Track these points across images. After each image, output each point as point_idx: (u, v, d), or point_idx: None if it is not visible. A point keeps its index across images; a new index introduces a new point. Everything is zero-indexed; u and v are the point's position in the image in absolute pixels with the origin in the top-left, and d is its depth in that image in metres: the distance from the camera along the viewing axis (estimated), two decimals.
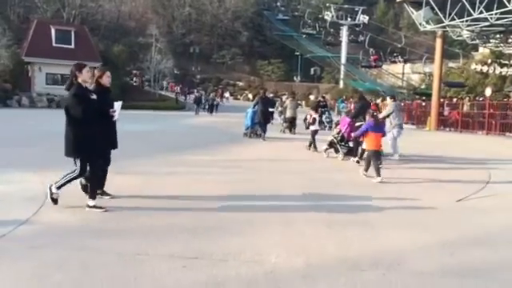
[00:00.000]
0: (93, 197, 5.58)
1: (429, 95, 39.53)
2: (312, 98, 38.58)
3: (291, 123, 19.31)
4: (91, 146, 5.42)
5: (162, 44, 53.69)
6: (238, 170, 9.38)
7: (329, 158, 11.60)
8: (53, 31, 39.01)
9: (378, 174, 8.29)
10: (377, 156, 8.59)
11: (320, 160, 11.56)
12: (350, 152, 11.13)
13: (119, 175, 7.25)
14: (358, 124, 10.58)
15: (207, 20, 71.42)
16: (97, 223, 5.12)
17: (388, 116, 11.55)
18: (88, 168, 5.52)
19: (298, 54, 64.56)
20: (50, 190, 5.59)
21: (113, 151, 6.17)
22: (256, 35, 74.72)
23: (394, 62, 44.74)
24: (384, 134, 9.32)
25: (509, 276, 4.03)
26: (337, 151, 11.54)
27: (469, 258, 4.42)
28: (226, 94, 56.12)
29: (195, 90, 50.85)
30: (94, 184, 5.66)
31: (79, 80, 5.41)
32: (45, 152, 10.83)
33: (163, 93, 50.75)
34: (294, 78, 63.76)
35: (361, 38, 59.20)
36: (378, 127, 8.83)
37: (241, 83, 65.76)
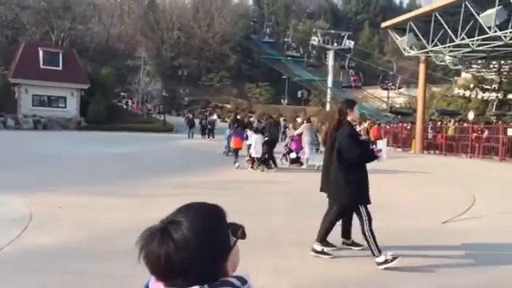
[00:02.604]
0: (322, 240, 4.97)
1: (404, 114, 40.28)
2: (299, 120, 38.97)
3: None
4: (367, 189, 4.77)
5: (151, 66, 53.93)
6: (224, 192, 9.37)
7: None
8: (41, 53, 38.99)
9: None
10: (236, 153, 13.68)
11: (303, 182, 11.61)
12: (265, 162, 13.65)
13: (106, 197, 7.21)
14: (266, 139, 13.64)
15: (196, 43, 72.13)
16: (81, 245, 5.06)
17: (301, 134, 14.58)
18: (337, 211, 4.88)
19: (285, 77, 65.35)
20: (314, 248, 4.91)
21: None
22: (244, 59, 75.57)
23: (386, 89, 45.80)
24: (242, 139, 14.30)
25: None
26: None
27: (453, 280, 4.47)
28: (214, 117, 56.24)
29: (185, 111, 50.45)
30: (331, 228, 4.95)
31: (348, 118, 4.80)
32: (30, 175, 10.71)
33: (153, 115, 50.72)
34: (282, 101, 64.32)
35: (343, 63, 60.59)
36: (239, 133, 13.85)
37: (229, 106, 66.05)
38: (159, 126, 41.65)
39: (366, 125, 27.74)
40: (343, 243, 5.31)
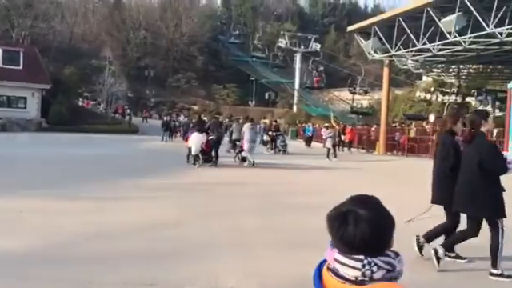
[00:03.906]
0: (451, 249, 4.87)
1: (365, 114, 41.24)
2: (266, 121, 39.18)
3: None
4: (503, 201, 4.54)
5: (116, 67, 52.89)
6: (193, 194, 9.33)
7: (277, 179, 11.75)
8: (0, 51, 37.56)
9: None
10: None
11: (271, 183, 11.72)
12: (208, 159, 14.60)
13: (71, 200, 7.04)
14: (211, 137, 14.65)
15: (163, 44, 71.27)
16: (44, 251, 4.92)
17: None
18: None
19: (252, 79, 65.56)
20: (491, 272, 4.54)
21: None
22: (212, 60, 75.26)
23: (354, 93, 46.86)
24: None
25: None
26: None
27: (416, 276, 4.60)
28: (181, 118, 55.74)
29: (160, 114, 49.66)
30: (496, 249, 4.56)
31: (483, 129, 4.62)
32: None
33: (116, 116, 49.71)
34: (249, 103, 64.53)
35: (313, 66, 61.43)
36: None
37: (196, 107, 65.63)
38: (124, 127, 40.86)
39: (342, 127, 28.41)
40: (417, 242, 5.18)
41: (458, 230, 4.98)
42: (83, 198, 7.99)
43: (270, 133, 23.50)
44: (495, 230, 4.46)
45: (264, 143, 24.35)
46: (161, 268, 4.48)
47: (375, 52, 24.44)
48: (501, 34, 17.31)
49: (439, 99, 33.23)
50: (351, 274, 1.40)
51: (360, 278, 1.38)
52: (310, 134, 31.65)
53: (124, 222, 6.41)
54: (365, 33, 24.85)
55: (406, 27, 20.73)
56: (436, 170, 5.07)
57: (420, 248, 5.08)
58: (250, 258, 4.99)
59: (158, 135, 30.58)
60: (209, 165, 14.56)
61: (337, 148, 20.60)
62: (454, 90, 32.39)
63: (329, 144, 20.02)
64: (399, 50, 22.54)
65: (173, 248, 5.23)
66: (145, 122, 48.67)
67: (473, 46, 19.69)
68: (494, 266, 4.48)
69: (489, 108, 28.79)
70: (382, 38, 22.98)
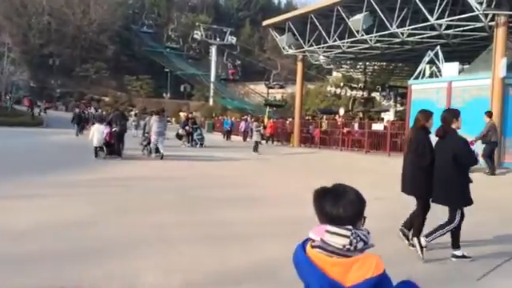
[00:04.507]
0: (458, 246, 4.98)
1: (278, 106, 42.60)
2: (182, 115, 38.63)
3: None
4: (469, 194, 4.93)
5: (16, 54, 48.69)
6: (108, 190, 8.92)
7: (195, 172, 11.68)
8: None
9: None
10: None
11: (192, 176, 11.61)
12: (113, 151, 14.67)
13: None
14: (114, 129, 14.80)
15: (69, 31, 66.93)
16: None
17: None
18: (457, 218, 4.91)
19: (167, 70, 64.13)
20: (419, 242, 4.91)
21: None
22: (123, 50, 72.31)
23: (271, 88, 47.77)
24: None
25: None
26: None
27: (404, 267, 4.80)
28: (91, 110, 52.98)
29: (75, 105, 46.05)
30: (458, 233, 4.96)
31: (453, 126, 5.00)
32: None
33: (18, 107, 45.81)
34: (164, 95, 63.05)
35: (230, 60, 61.68)
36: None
37: (107, 99, 62.69)
38: (27, 119, 37.87)
39: (270, 120, 28.97)
40: (402, 232, 5.42)
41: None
42: None
43: (186, 127, 23.14)
44: (451, 218, 4.88)
45: (178, 137, 23.97)
46: (76, 269, 4.23)
47: (289, 47, 25.09)
48: (402, 34, 18.65)
49: (348, 94, 35.07)
50: (340, 242, 1.62)
51: (347, 247, 1.60)
52: (228, 128, 31.75)
53: (36, 222, 5.96)
54: (279, 28, 25.39)
55: (317, 24, 21.53)
56: (409, 164, 5.34)
57: (407, 237, 5.33)
58: (171, 254, 4.89)
59: (66, 128, 28.75)
60: (114, 157, 14.52)
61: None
62: (361, 85, 34.40)
63: (257, 137, 20.32)
64: (312, 45, 23.37)
65: (89, 247, 4.97)
66: (43, 113, 44.69)
67: (378, 45, 21.01)
68: (427, 236, 4.90)
69: (391, 103, 31.05)
70: (296, 33, 23.65)
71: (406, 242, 5.32)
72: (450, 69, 17.14)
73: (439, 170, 4.97)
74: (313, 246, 1.68)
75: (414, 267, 4.50)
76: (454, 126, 5.00)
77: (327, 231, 1.64)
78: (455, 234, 4.97)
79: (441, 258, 4.99)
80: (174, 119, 53.58)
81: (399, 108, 29.59)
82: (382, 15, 18.29)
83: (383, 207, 7.36)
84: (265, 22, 27.47)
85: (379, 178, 11.86)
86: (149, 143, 16.25)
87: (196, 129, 23.54)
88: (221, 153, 19.15)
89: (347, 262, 1.61)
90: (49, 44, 64.31)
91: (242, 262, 4.65)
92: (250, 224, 6.42)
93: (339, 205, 1.65)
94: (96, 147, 14.38)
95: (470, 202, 4.89)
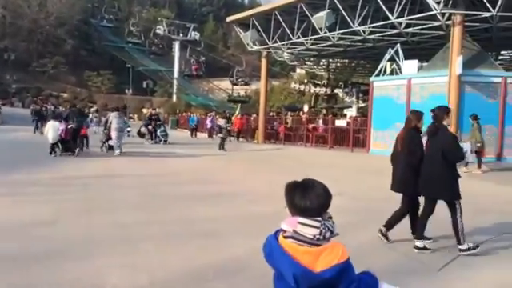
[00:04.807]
0: (420, 236, 5.19)
1: (242, 102, 42.66)
2: (145, 111, 37.97)
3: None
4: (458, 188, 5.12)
5: None
6: (68, 189, 8.64)
7: (159, 169, 11.52)
8: None
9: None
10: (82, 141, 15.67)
11: (156, 173, 11.43)
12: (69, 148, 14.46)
13: None
14: (70, 126, 14.58)
15: (25, 24, 64.33)
16: None
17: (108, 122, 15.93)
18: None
19: (129, 66, 62.77)
20: (462, 250, 4.99)
21: None
22: (83, 44, 70.20)
23: (236, 84, 47.64)
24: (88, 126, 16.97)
25: None
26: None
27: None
28: (50, 106, 51.21)
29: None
30: (426, 222, 5.19)
31: (444, 123, 5.17)
32: None
33: None
34: (126, 91, 61.72)
35: (195, 56, 61.03)
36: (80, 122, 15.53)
37: (65, 95, 60.78)
38: None
39: (238, 116, 28.81)
40: (380, 231, 5.47)
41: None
42: None
43: (149, 127, 22.72)
44: (454, 209, 5.04)
45: (140, 135, 23.53)
46: (36, 271, 4.07)
47: (254, 43, 25.10)
48: (364, 31, 19.03)
49: (311, 90, 35.50)
50: (311, 232, 1.78)
51: (317, 237, 1.77)
52: (194, 125, 31.42)
53: None
54: (243, 24, 25.33)
55: (281, 21, 21.63)
56: (400, 163, 5.49)
57: (385, 236, 5.43)
58: (136, 253, 4.79)
59: (23, 125, 27.65)
60: (70, 154, 14.33)
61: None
62: (325, 82, 34.90)
63: (224, 134, 20.20)
64: (276, 42, 23.46)
65: (49, 248, 4.79)
66: None
67: (340, 42, 21.34)
68: (459, 242, 5.00)
69: (353, 99, 31.67)
70: (260, 30, 23.67)
71: (386, 241, 5.41)
72: (410, 66, 17.66)
73: (429, 165, 5.14)
74: (285, 237, 1.82)
75: (377, 260, 4.59)
76: (445, 122, 5.19)
77: (299, 222, 1.79)
78: (419, 224, 5.17)
79: (403, 251, 5.13)
80: (136, 116, 52.62)
81: (361, 104, 30.23)
82: (344, 13, 18.58)
83: (345, 202, 7.49)
84: (229, 18, 27.34)
85: (342, 173, 12.07)
86: (107, 140, 16.04)
87: (160, 125, 23.18)
88: (186, 149, 18.95)
89: (317, 250, 1.77)
90: (3, 38, 61.63)
91: (210, 259, 4.61)
92: (216, 220, 6.38)
93: (308, 197, 1.81)
94: (51, 144, 14.10)
95: (458, 195, 5.08)
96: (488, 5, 14.57)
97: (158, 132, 22.58)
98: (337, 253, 1.76)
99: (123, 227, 5.82)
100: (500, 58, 26.31)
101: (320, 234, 1.77)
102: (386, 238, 5.41)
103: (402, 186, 5.42)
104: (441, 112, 5.24)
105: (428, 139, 5.31)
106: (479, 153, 12.74)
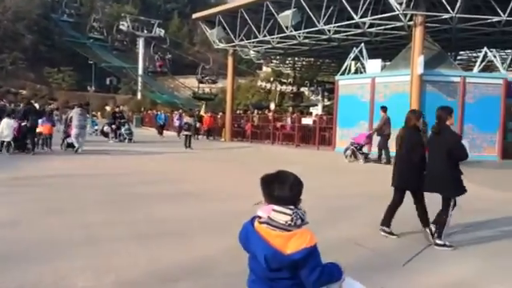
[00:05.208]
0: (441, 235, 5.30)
1: (207, 99, 42.47)
2: (108, 109, 37.13)
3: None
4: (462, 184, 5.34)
5: None
6: (29, 189, 8.33)
7: (123, 168, 11.32)
8: None
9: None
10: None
11: (120, 172, 11.19)
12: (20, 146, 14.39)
13: None
14: (24, 123, 14.23)
15: None
16: None
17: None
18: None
19: (91, 62, 61.15)
20: (438, 245, 5.23)
21: None
22: (42, 39, 67.76)
23: (202, 82, 47.25)
24: (54, 125, 16.66)
25: None
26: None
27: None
28: (6, 103, 49.13)
29: None
30: (445, 223, 5.28)
31: (448, 123, 5.36)
32: None
33: None
34: (88, 88, 60.12)
35: (160, 54, 60.13)
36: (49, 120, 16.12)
37: (24, 92, 58.56)
38: None
39: (208, 114, 28.50)
40: (383, 231, 5.65)
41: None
42: None
43: (113, 126, 22.23)
44: (447, 206, 5.27)
45: (104, 134, 23.01)
46: None
47: (220, 41, 24.97)
48: (329, 30, 19.29)
49: (278, 88, 35.69)
50: (284, 219, 1.98)
51: (289, 223, 1.97)
52: (161, 123, 30.92)
53: None
54: (210, 21, 25.16)
55: (247, 19, 21.62)
56: (402, 161, 5.71)
57: (391, 233, 5.62)
58: (102, 254, 4.67)
59: None
60: (23, 152, 14.22)
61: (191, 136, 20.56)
62: (291, 80, 35.15)
63: (190, 131, 20.00)
64: (242, 40, 23.43)
65: (11, 250, 4.62)
66: None
67: (306, 41, 21.54)
68: (439, 236, 5.25)
69: (319, 98, 32.08)
70: (227, 27, 23.59)
71: (392, 236, 5.60)
72: (373, 65, 18.03)
73: (435, 163, 5.36)
74: (260, 222, 2.03)
75: (343, 255, 4.66)
76: (448, 122, 5.39)
77: (274, 210, 2.00)
78: (445, 222, 5.32)
79: (371, 247, 5.24)
80: (99, 113, 51.39)
81: (327, 103, 30.64)
82: (309, 12, 18.77)
83: (310, 199, 7.57)
84: (195, 15, 27.11)
85: (307, 170, 12.19)
86: (66, 137, 15.80)
87: (124, 123, 22.72)
88: (151, 148, 18.67)
89: (288, 235, 1.97)
90: None
91: (177, 259, 4.56)
92: (183, 220, 6.31)
93: (283, 188, 2.02)
94: (5, 142, 13.89)
95: (463, 191, 5.31)
96: (448, 6, 15.06)
97: (123, 130, 22.14)
98: (305, 238, 1.96)
99: (87, 228, 5.67)
100: (458, 58, 27.26)
101: (291, 221, 1.97)
102: (391, 233, 5.63)
103: (405, 182, 5.65)
104: (444, 112, 5.44)
105: (431, 138, 5.54)
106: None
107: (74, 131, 15.31)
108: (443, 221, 5.25)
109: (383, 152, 14.04)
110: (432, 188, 5.40)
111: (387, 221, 5.67)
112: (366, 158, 14.75)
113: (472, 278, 4.42)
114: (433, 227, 5.40)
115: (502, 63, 18.10)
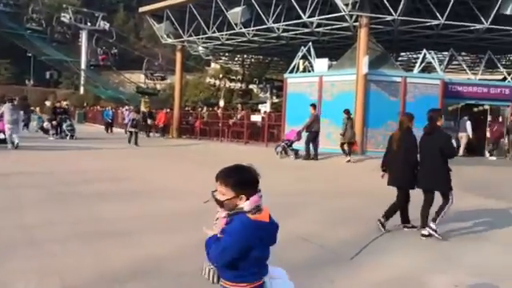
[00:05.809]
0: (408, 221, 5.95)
1: (150, 94, 41.70)
2: (48, 104, 35.37)
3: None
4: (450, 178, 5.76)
5: None
6: None
7: (64, 166, 10.88)
8: None
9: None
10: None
11: (63, 170, 10.71)
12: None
13: None
14: None
15: None
16: None
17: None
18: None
19: (30, 55, 57.93)
20: (431, 229, 5.57)
21: None
22: None
23: (150, 78, 46.11)
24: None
25: None
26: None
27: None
28: None
29: None
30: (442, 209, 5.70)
31: (438, 124, 5.78)
32: None
33: None
34: (27, 82, 57.01)
35: (105, 48, 58.07)
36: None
37: None
38: None
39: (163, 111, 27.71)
40: (406, 227, 6.02)
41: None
42: None
43: (54, 122, 21.22)
44: (447, 200, 5.72)
45: (44, 131, 21.94)
46: None
47: (168, 36, 24.51)
48: (278, 29, 19.46)
49: (227, 85, 35.58)
50: (261, 202, 2.20)
51: (259, 205, 2.18)
52: (109, 119, 29.81)
53: None
54: (157, 16, 24.61)
55: (196, 14, 21.35)
56: (398, 161, 6.02)
57: (383, 225, 5.89)
58: (43, 256, 4.45)
59: None
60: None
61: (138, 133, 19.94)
62: (240, 77, 35.16)
63: (133, 128, 19.43)
64: (191, 36, 23.12)
65: None
66: None
67: (255, 38, 21.60)
68: (434, 220, 5.64)
69: (267, 95, 32.32)
70: (175, 22, 23.17)
71: (383, 230, 5.85)
72: (321, 64, 18.40)
73: (428, 162, 5.79)
74: (253, 214, 2.16)
75: (292, 252, 4.72)
76: (439, 123, 5.84)
77: (260, 197, 2.21)
78: (423, 215, 5.79)
79: (319, 243, 5.35)
80: (38, 108, 48.86)
81: (275, 100, 30.92)
82: (259, 10, 18.84)
83: None
84: (141, 9, 26.44)
85: (256, 167, 12.27)
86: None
87: (66, 119, 21.75)
88: (95, 145, 18.02)
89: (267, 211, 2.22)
90: None
91: (124, 260, 4.42)
92: (128, 219, 6.14)
93: (252, 171, 2.27)
94: None
95: (451, 187, 5.75)
96: (390, 9, 15.65)
97: (64, 126, 21.19)
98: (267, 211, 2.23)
99: (26, 228, 5.38)
100: (400, 59, 28.45)
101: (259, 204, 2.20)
102: (384, 226, 5.89)
103: (401, 181, 5.99)
104: (435, 114, 5.90)
105: (423, 138, 5.92)
106: (352, 144, 14.35)
107: (6, 127, 14.72)
108: (440, 209, 5.67)
109: (311, 148, 14.60)
110: (428, 185, 5.83)
111: (405, 218, 6.07)
112: (296, 155, 15.13)
113: (417, 269, 4.61)
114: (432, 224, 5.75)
115: (440, 65, 19.08)
